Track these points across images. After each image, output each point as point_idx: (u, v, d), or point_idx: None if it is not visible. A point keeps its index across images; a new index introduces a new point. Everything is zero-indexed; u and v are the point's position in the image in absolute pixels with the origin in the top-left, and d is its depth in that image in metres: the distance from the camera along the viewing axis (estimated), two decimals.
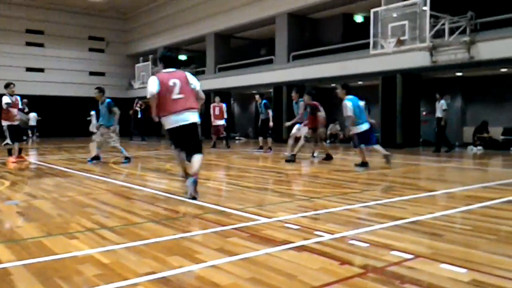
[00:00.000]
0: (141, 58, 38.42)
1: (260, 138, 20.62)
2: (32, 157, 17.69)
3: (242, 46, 38.26)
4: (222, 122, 22.15)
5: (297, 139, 15.67)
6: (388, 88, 23.06)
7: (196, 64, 38.93)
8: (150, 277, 4.00)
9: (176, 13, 38.83)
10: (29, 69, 40.74)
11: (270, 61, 31.24)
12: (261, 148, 20.20)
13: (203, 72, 36.80)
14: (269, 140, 20.33)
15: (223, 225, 5.96)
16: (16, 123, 15.45)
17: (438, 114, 19.86)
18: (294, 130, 16.21)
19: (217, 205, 7.48)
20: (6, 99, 15.28)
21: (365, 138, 13.29)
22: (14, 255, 4.70)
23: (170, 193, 8.79)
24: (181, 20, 38.29)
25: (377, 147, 13.45)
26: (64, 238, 5.42)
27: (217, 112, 22.05)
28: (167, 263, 4.39)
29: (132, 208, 7.45)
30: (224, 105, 22.42)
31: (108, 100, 14.66)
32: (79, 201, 8.02)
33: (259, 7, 30.98)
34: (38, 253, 4.77)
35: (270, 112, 20.03)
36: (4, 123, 15.31)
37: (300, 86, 19.33)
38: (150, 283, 3.89)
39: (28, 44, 41.12)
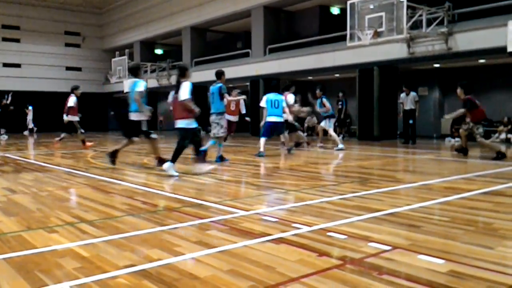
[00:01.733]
0: (117, 53, 38.24)
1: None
2: (10, 152, 17.54)
3: (218, 40, 38.19)
4: (235, 118, 18.42)
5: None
6: (365, 81, 23.11)
7: (172, 58, 38.78)
8: (129, 270, 4.00)
9: (152, 7, 38.67)
10: (5, 65, 40.43)
11: (246, 55, 31.20)
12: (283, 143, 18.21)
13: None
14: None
15: (202, 218, 5.95)
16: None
17: (411, 106, 20.02)
18: (322, 124, 17.58)
19: (196, 198, 7.48)
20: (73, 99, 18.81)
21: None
22: None
23: (148, 187, 8.78)
24: (156, 14, 38.15)
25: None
26: (44, 232, 5.40)
27: (232, 107, 18.29)
28: (146, 256, 4.39)
29: (110, 202, 7.43)
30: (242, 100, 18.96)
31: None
32: (58, 196, 8.01)
33: (235, 0, 30.93)
34: (19, 247, 4.76)
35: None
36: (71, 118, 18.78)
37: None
38: (130, 275, 3.89)
39: (4, 39, 40.77)
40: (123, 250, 4.63)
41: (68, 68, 43.58)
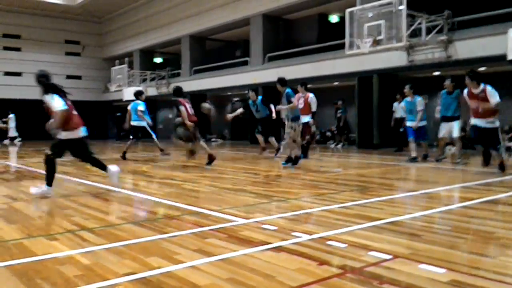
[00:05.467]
0: (117, 61, 38.29)
1: (271, 139, 17.49)
2: (11, 160, 17.55)
3: (217, 48, 38.22)
4: (307, 118, 16.18)
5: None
6: (364, 88, 23.08)
7: (171, 66, 38.84)
8: (130, 278, 4.01)
9: (151, 16, 38.74)
10: (6, 73, 40.52)
11: (245, 63, 31.22)
12: (278, 149, 17.39)
13: (178, 75, 36.74)
14: (272, 139, 17.54)
15: (201, 226, 5.94)
16: None
17: (402, 114, 19.49)
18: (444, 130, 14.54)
19: (195, 206, 7.46)
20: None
21: None
22: None
23: (148, 195, 8.78)
24: (156, 23, 38.22)
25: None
26: (44, 240, 5.41)
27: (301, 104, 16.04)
28: (146, 264, 4.38)
29: (110, 209, 7.52)
30: (311, 95, 16.82)
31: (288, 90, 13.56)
32: (59, 203, 8.04)
33: (234, 9, 30.98)
34: (20, 255, 4.78)
35: (273, 107, 17.17)
36: None
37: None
38: (130, 283, 3.90)
39: (6, 48, 40.90)
40: (123, 257, 4.63)
41: (68, 77, 43.58)
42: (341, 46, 21.86)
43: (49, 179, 8.68)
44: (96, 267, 4.34)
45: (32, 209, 7.64)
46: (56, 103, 8.48)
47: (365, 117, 23.14)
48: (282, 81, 13.77)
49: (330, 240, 5.18)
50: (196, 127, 14.14)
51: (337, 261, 4.45)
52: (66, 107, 8.46)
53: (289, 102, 13.18)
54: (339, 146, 24.74)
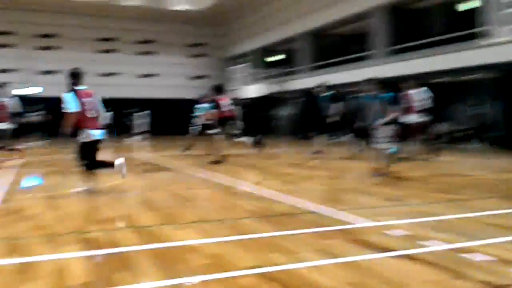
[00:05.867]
0: (236, 61, 39.04)
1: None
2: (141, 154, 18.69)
3: (335, 43, 37.64)
4: (415, 117, 14.88)
5: None
6: (509, 81, 21.22)
7: (289, 63, 38.84)
8: (254, 271, 4.14)
9: (268, 16, 39.08)
10: (141, 76, 43.75)
11: (366, 57, 30.48)
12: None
13: (295, 72, 36.53)
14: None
15: (322, 226, 5.84)
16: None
17: None
18: None
19: (314, 204, 7.37)
20: None
21: None
22: (136, 240, 5.34)
23: (267, 190, 8.93)
24: (273, 22, 38.48)
25: None
26: (175, 228, 5.95)
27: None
28: (269, 259, 4.49)
29: (233, 204, 7.89)
30: (413, 92, 15.44)
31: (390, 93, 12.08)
32: (184, 195, 8.73)
33: (354, 2, 30.35)
34: (155, 240, 5.33)
35: (336, 107, 16.75)
36: None
37: None
38: (255, 277, 4.01)
39: (140, 53, 44.43)
40: (246, 251, 4.84)
41: (192, 77, 45.44)
42: (475, 36, 20.57)
43: (106, 166, 9.00)
44: (221, 257, 4.62)
45: (166, 199, 8.35)
46: (68, 104, 8.59)
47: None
48: (383, 83, 12.28)
49: (466, 251, 4.70)
50: (227, 124, 14.51)
51: (475, 275, 3.99)
52: (76, 109, 8.53)
53: (395, 104, 11.82)
54: (475, 146, 23.26)
